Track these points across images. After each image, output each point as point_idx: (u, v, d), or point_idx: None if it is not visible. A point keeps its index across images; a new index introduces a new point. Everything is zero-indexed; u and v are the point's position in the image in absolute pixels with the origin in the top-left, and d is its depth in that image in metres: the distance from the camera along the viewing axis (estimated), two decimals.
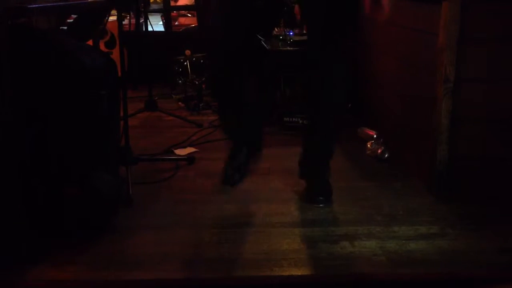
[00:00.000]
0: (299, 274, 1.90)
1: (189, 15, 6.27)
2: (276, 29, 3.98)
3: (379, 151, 3.00)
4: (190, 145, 3.28)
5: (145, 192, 2.54)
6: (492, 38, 2.34)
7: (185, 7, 6.33)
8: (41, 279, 1.84)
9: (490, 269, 1.93)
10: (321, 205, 2.40)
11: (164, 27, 5.30)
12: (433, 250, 2.03)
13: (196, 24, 5.32)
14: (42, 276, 1.86)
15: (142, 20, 4.35)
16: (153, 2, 6.12)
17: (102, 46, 4.50)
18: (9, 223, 1.91)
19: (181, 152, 3.16)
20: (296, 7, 3.91)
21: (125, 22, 4.83)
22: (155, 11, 5.79)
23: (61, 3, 2.46)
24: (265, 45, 3.88)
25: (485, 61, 2.36)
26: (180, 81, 4.40)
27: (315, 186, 2.46)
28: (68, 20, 2.95)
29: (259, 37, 4.21)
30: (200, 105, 4.12)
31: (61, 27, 2.73)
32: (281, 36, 3.86)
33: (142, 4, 4.18)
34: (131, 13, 4.82)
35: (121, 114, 2.54)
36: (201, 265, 1.94)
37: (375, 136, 3.15)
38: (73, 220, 2.08)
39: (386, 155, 2.99)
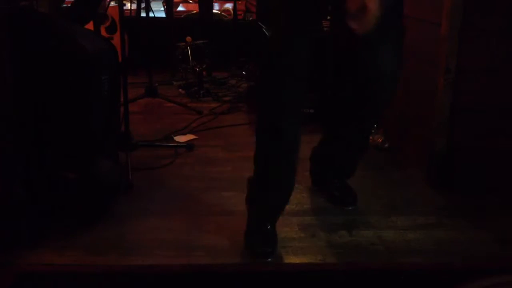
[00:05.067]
0: (297, 262, 1.91)
1: (190, 1, 6.24)
2: None
3: (379, 140, 3.00)
4: (190, 132, 3.28)
5: (144, 178, 2.54)
6: (495, 29, 2.33)
7: None
8: (40, 263, 1.85)
9: (487, 260, 1.94)
10: (350, 207, 2.28)
11: (166, 13, 5.28)
12: (431, 240, 2.04)
13: (198, 11, 5.31)
14: (41, 260, 1.87)
15: (144, 5, 4.33)
16: None
17: (103, 31, 4.48)
18: (9, 208, 1.91)
19: (181, 139, 3.16)
20: None
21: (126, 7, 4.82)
22: None
23: None
24: (266, 32, 3.87)
25: (486, 52, 2.35)
26: (180, 68, 4.40)
27: (343, 189, 2.32)
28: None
29: (261, 24, 4.20)
30: (201, 92, 4.12)
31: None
32: None
33: None
34: None
35: (121, 99, 2.54)
36: (199, 251, 1.95)
37: (375, 125, 3.14)
38: (72, 205, 2.08)
39: (386, 144, 2.99)
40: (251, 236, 1.99)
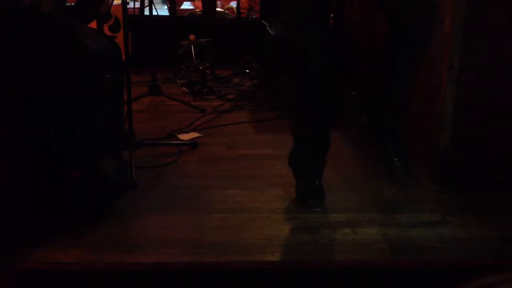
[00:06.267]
0: (301, 259, 1.91)
1: None
2: None
3: None
4: (194, 130, 3.28)
5: (148, 177, 2.54)
6: (498, 26, 2.32)
7: None
8: (45, 262, 1.85)
9: (491, 257, 1.93)
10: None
11: (169, 11, 5.28)
12: (435, 238, 2.04)
13: (201, 9, 5.31)
14: (45, 258, 1.87)
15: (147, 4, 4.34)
16: None
17: (106, 30, 4.49)
18: (14, 206, 1.92)
19: (184, 137, 3.16)
20: None
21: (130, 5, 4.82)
22: None
23: None
24: (270, 30, 3.87)
25: (490, 49, 2.34)
26: (184, 66, 4.40)
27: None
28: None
29: (264, 22, 4.20)
30: (204, 90, 4.12)
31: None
32: None
33: None
34: None
35: (125, 98, 2.54)
36: (203, 249, 1.95)
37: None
38: (77, 203, 2.09)
39: None
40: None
